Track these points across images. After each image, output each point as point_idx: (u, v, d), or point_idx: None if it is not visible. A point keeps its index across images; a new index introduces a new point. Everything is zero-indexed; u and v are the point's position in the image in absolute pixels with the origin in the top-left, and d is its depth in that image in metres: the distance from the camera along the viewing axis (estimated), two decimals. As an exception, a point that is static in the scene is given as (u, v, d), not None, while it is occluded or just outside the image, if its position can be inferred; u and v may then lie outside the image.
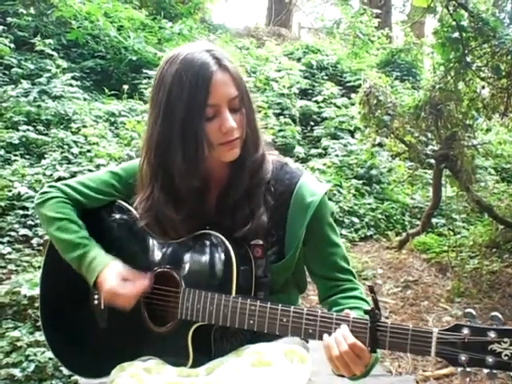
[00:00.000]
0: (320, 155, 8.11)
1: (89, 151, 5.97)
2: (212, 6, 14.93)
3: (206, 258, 1.61)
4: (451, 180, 5.60)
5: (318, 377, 1.80)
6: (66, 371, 2.92)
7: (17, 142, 5.92)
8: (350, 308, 1.53)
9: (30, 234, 4.64)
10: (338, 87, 9.87)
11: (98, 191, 1.82)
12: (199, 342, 1.59)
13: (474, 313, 1.34)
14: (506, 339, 1.27)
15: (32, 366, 3.08)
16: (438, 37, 4.98)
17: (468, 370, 1.30)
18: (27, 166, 5.54)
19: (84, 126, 6.42)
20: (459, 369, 1.31)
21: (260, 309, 1.51)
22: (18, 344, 3.24)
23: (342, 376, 1.47)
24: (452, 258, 5.42)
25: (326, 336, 1.43)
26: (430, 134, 5.56)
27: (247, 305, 1.52)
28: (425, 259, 5.67)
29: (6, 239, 4.55)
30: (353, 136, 8.42)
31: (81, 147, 6.05)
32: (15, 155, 5.74)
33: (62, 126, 6.49)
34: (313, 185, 1.68)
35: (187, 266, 1.64)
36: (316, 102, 9.44)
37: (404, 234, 6.21)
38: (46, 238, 2.20)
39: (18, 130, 6.11)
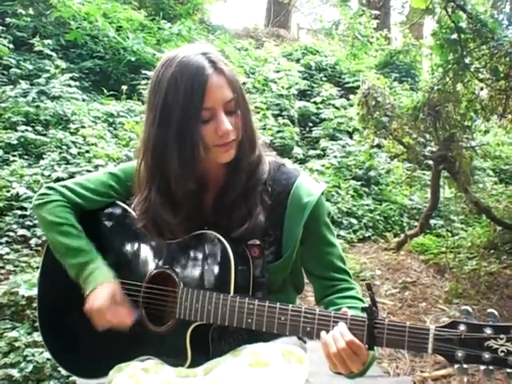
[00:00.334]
0: (318, 156, 8.12)
1: (87, 152, 5.97)
2: (211, 6, 14.89)
3: (204, 258, 1.62)
4: (449, 181, 5.60)
5: (316, 377, 1.79)
6: (64, 372, 2.92)
7: (15, 142, 5.91)
8: (347, 308, 1.53)
9: (28, 234, 4.63)
10: (336, 88, 9.88)
11: (96, 193, 1.82)
12: (197, 341, 1.60)
13: (470, 310, 1.35)
14: (502, 335, 1.29)
15: (30, 367, 3.08)
16: (436, 38, 4.99)
17: (465, 366, 1.32)
18: (26, 167, 5.54)
19: (82, 127, 6.42)
20: (456, 365, 1.33)
21: (258, 307, 1.52)
22: (16, 344, 3.23)
23: (340, 374, 1.48)
24: (450, 260, 5.43)
25: (323, 333, 1.44)
26: (428, 136, 5.56)
27: (245, 304, 1.53)
28: (423, 260, 5.67)
29: (4, 239, 4.54)
30: (351, 137, 8.43)
31: (79, 148, 6.05)
32: (14, 155, 5.73)
33: (60, 127, 6.48)
34: (310, 185, 1.69)
35: (185, 266, 1.64)
36: (315, 103, 9.46)
37: (402, 235, 6.22)
38: (45, 238, 2.21)
39: (16, 131, 6.10)
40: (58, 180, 5.10)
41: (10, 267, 4.23)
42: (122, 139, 6.52)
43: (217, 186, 1.70)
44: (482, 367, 1.30)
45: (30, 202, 4.77)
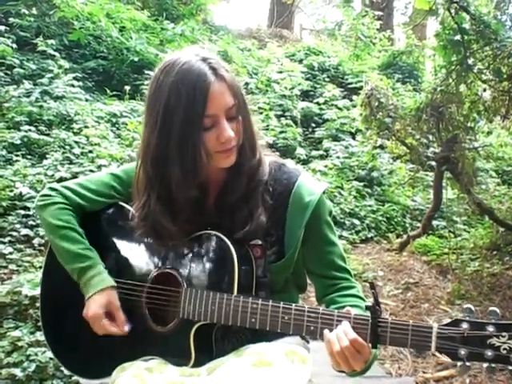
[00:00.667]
0: (321, 157, 8.12)
1: (90, 152, 5.97)
2: (214, 7, 14.91)
3: (207, 258, 1.62)
4: (452, 182, 5.60)
5: (319, 378, 1.80)
6: (67, 371, 2.92)
7: (18, 142, 5.92)
8: (349, 306, 1.53)
9: (31, 234, 4.63)
10: (339, 89, 9.89)
11: (98, 193, 1.83)
12: (201, 341, 1.60)
13: (473, 308, 1.36)
14: (504, 333, 1.30)
15: (33, 366, 3.08)
16: (439, 39, 4.99)
17: (468, 364, 1.32)
18: (29, 166, 5.54)
19: (86, 127, 6.42)
20: (459, 363, 1.33)
21: (262, 307, 1.52)
22: (19, 344, 3.23)
23: (342, 372, 1.48)
24: (453, 261, 5.42)
25: (326, 331, 1.45)
26: (431, 137, 5.56)
27: (249, 303, 1.53)
28: (425, 261, 5.67)
29: (7, 239, 4.54)
30: (354, 138, 8.43)
31: (82, 148, 6.05)
32: (17, 155, 5.73)
33: (63, 127, 6.49)
34: (311, 184, 1.70)
35: (188, 266, 1.64)
36: (317, 103, 9.46)
37: (405, 236, 6.22)
38: (47, 238, 2.21)
39: (19, 131, 6.11)
40: (61, 180, 5.11)
41: (13, 267, 4.23)
42: (125, 139, 6.52)
43: (218, 187, 1.70)
44: (485, 365, 1.31)
45: (33, 202, 4.77)
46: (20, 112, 6.44)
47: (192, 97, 1.51)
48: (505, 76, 4.98)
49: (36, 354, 3.14)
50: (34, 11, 8.47)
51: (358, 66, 11.12)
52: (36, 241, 4.54)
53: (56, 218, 1.76)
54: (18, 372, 3.05)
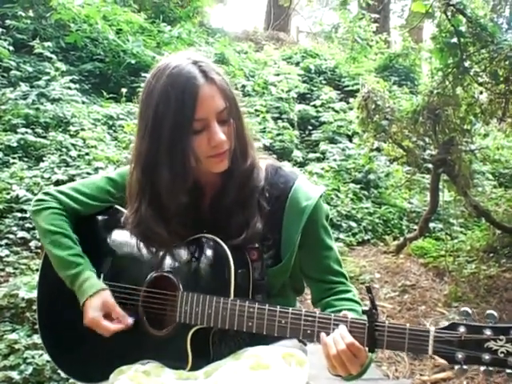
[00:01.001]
0: (318, 159, 8.12)
1: (87, 154, 5.97)
2: (211, 9, 14.92)
3: (203, 262, 1.62)
4: (449, 185, 5.61)
5: (316, 380, 1.80)
6: (63, 374, 2.92)
7: (15, 144, 5.92)
8: (345, 310, 1.53)
9: (28, 236, 4.63)
10: (336, 92, 9.89)
11: (93, 198, 1.82)
12: (198, 345, 1.60)
13: (470, 311, 1.36)
14: (501, 336, 1.29)
15: (30, 369, 3.08)
16: (436, 42, 5.00)
17: (465, 367, 1.32)
18: (25, 169, 5.54)
19: (82, 129, 6.42)
20: (456, 366, 1.33)
21: (258, 311, 1.52)
22: (16, 347, 3.23)
23: (339, 376, 1.48)
24: (449, 263, 5.43)
25: (323, 335, 1.45)
26: (427, 139, 5.57)
27: (246, 307, 1.53)
28: (422, 264, 5.67)
29: (3, 242, 4.54)
30: (351, 140, 8.44)
31: (79, 150, 6.05)
32: (13, 158, 5.73)
33: (60, 129, 6.49)
34: (308, 188, 1.68)
35: (185, 270, 1.64)
36: (314, 106, 9.46)
37: (401, 239, 6.22)
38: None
39: (16, 133, 6.11)
40: (57, 182, 5.11)
41: (9, 269, 4.23)
42: (122, 142, 6.52)
43: (213, 190, 1.69)
44: (482, 368, 1.31)
45: (30, 205, 4.77)
46: (17, 114, 6.44)
47: (181, 100, 1.49)
48: (501, 79, 4.99)
49: (33, 357, 3.14)
50: (31, 13, 8.48)
51: (355, 68, 11.12)
52: (33, 243, 4.54)
53: (48, 223, 1.76)
54: (14, 375, 3.05)
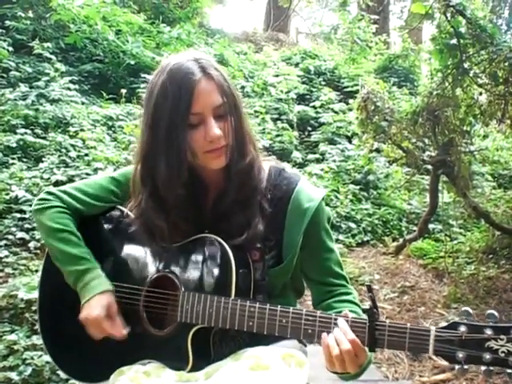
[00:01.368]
0: (317, 160, 8.12)
1: (86, 155, 5.97)
2: (210, 10, 14.95)
3: (205, 262, 1.62)
4: (448, 186, 5.61)
5: (316, 381, 1.80)
6: (63, 375, 2.89)
7: (14, 145, 5.92)
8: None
9: (27, 237, 4.63)
10: (335, 93, 9.89)
11: (96, 198, 1.82)
12: (199, 344, 1.60)
13: (471, 311, 1.36)
14: (502, 336, 1.29)
15: (29, 370, 3.07)
16: (435, 43, 5.00)
17: (465, 367, 1.32)
18: (25, 170, 5.54)
19: (82, 130, 6.43)
20: (457, 366, 1.33)
21: (259, 310, 1.52)
22: (15, 347, 3.23)
23: (335, 373, 1.49)
24: (449, 264, 5.43)
25: (324, 335, 1.45)
26: (427, 140, 5.56)
27: (246, 306, 1.53)
28: (421, 265, 5.67)
29: (3, 242, 4.54)
30: (350, 141, 8.44)
31: (78, 151, 6.06)
32: (13, 158, 5.73)
33: (59, 130, 6.49)
34: (310, 190, 1.69)
35: (186, 270, 1.64)
36: (314, 107, 9.47)
37: (401, 240, 6.22)
38: (44, 241, 2.21)
39: (15, 134, 6.11)
40: (57, 183, 5.11)
41: (8, 270, 4.23)
42: (122, 142, 6.52)
43: (216, 190, 1.70)
44: (483, 368, 1.31)
45: (29, 205, 4.78)
46: (16, 115, 6.44)
47: (178, 94, 1.52)
48: (501, 80, 4.98)
49: (32, 358, 3.13)
50: (31, 14, 8.49)
51: (354, 69, 11.13)
52: (32, 244, 4.54)
53: (54, 222, 1.76)
54: (14, 376, 3.05)
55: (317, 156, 8.23)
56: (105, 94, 7.87)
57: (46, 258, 1.86)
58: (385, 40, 13.24)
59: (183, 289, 1.62)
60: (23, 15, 8.29)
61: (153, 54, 8.91)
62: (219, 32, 13.74)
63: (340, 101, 9.72)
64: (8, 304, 3.62)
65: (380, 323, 1.40)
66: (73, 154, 5.95)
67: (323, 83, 10.56)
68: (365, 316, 1.42)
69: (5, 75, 7.41)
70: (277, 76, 9.98)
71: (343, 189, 7.19)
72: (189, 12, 12.18)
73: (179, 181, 1.57)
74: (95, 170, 5.53)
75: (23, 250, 4.52)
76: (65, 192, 1.81)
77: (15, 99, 6.75)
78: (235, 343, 1.63)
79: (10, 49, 7.62)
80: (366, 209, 6.96)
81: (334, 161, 7.94)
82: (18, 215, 4.82)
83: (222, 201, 1.66)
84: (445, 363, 1.31)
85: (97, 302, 1.67)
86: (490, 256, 5.57)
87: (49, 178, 5.37)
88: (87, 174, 5.37)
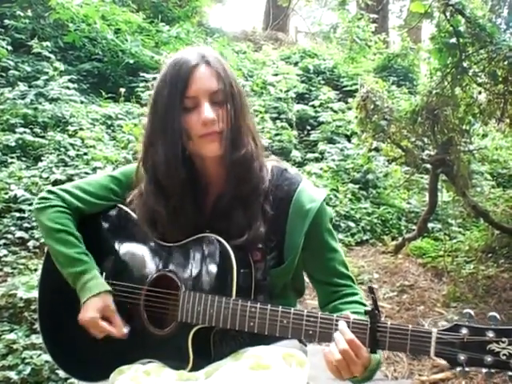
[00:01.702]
0: (316, 159, 8.11)
1: (85, 154, 5.97)
2: (209, 9, 14.95)
3: (206, 261, 1.62)
4: (447, 185, 5.61)
5: (316, 381, 1.80)
6: (62, 374, 2.92)
7: (13, 144, 5.92)
8: (351, 313, 1.52)
9: (26, 236, 4.63)
10: (334, 92, 9.87)
11: (96, 196, 1.82)
12: (199, 344, 1.60)
13: (472, 313, 1.35)
14: (504, 339, 1.29)
15: (28, 369, 3.07)
16: (434, 42, 4.99)
17: (467, 369, 1.32)
18: (24, 169, 5.54)
19: (81, 129, 6.42)
20: (458, 368, 1.32)
21: (260, 311, 1.52)
22: (14, 347, 3.23)
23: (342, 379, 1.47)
24: (448, 263, 5.43)
25: (324, 348, 1.44)
26: (426, 139, 5.56)
27: (247, 307, 1.53)
28: (421, 264, 5.67)
29: (2, 241, 4.54)
30: (349, 140, 8.43)
31: (78, 150, 6.05)
32: (12, 157, 5.73)
33: (58, 129, 6.49)
34: (312, 191, 1.69)
35: (187, 269, 1.64)
36: (313, 106, 9.45)
37: (400, 239, 6.22)
38: (43, 240, 2.20)
39: (14, 133, 6.11)
40: (56, 182, 5.11)
41: (8, 269, 4.23)
42: (121, 141, 6.52)
43: (217, 190, 1.69)
44: (484, 370, 1.30)
45: (28, 204, 4.78)
46: (15, 114, 6.44)
47: (175, 78, 1.57)
48: (500, 79, 4.98)
49: (31, 357, 3.13)
50: (29, 13, 8.48)
51: (354, 68, 11.12)
52: (31, 243, 4.54)
53: (53, 222, 1.76)
54: (13, 375, 3.05)
55: (316, 155, 8.22)
56: (104, 93, 7.87)
57: (45, 256, 1.86)
58: (384, 39, 13.23)
59: (184, 288, 1.62)
60: (22, 14, 8.29)
61: (152, 53, 8.91)
62: (218, 31, 13.72)
63: (339, 100, 9.70)
64: (7, 303, 3.62)
65: (381, 324, 1.40)
66: (72, 153, 5.95)
67: (322, 82, 10.54)
68: (366, 317, 1.42)
69: (4, 74, 7.41)
70: (276, 75, 9.96)
71: (342, 188, 7.18)
72: (188, 11, 12.19)
73: (177, 163, 1.58)
74: (94, 169, 5.53)
75: (22, 249, 4.52)
76: (65, 191, 1.82)
77: (14, 98, 6.75)
78: (236, 343, 1.62)
79: (9, 48, 7.61)
80: (365, 208, 6.96)
81: (333, 160, 7.93)
82: (17, 214, 4.82)
83: (222, 199, 1.66)
84: (444, 362, 1.30)
85: (92, 304, 1.68)
86: (490, 255, 5.57)
87: (48, 177, 5.37)
88: (86, 173, 5.36)
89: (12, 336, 3.31)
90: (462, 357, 1.31)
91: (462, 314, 1.36)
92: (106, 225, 1.86)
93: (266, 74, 10.07)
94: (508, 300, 4.63)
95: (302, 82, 10.25)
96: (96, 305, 1.68)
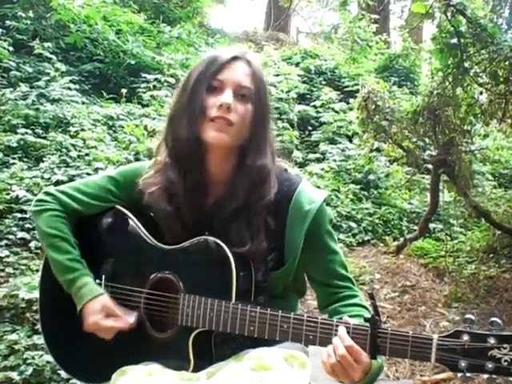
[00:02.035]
0: (318, 160, 8.10)
1: (87, 155, 5.96)
2: (211, 10, 14.94)
3: (205, 264, 1.61)
4: (449, 185, 5.60)
5: (318, 382, 1.79)
6: (64, 375, 2.91)
7: (15, 145, 5.91)
8: (351, 316, 1.52)
9: (27, 237, 4.63)
10: (336, 92, 9.86)
11: (95, 197, 1.81)
12: (200, 347, 1.59)
13: (474, 318, 1.35)
14: (505, 345, 1.28)
15: (30, 370, 3.07)
16: (436, 42, 4.99)
17: (468, 375, 1.31)
18: (25, 169, 5.53)
19: (82, 130, 6.42)
20: (459, 374, 1.32)
21: (260, 315, 1.51)
22: (16, 347, 3.23)
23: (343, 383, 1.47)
24: (449, 263, 5.43)
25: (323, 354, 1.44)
26: (427, 140, 5.56)
27: (247, 311, 1.52)
28: (422, 264, 5.67)
29: (3, 242, 4.54)
30: (351, 141, 8.42)
31: (79, 151, 6.05)
32: (13, 158, 5.73)
33: (60, 130, 6.48)
34: (311, 192, 1.68)
35: (187, 272, 1.64)
36: (314, 106, 9.44)
37: (401, 239, 6.21)
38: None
39: (16, 133, 6.10)
40: (57, 183, 5.10)
41: (9, 270, 4.22)
42: (122, 142, 6.51)
43: (219, 191, 1.69)
44: (485, 376, 1.29)
45: (30, 205, 4.77)
46: (16, 115, 6.43)
47: (213, 61, 1.64)
48: (501, 79, 4.98)
49: (33, 358, 3.13)
50: (31, 14, 8.48)
51: (355, 69, 11.10)
52: (33, 244, 4.53)
53: (47, 226, 1.76)
54: (14, 375, 3.05)
55: (317, 155, 8.21)
56: (105, 94, 7.86)
57: (45, 257, 1.86)
58: (385, 39, 13.21)
59: (183, 291, 1.62)
60: (23, 15, 8.28)
61: (153, 53, 8.91)
62: (220, 32, 13.73)
63: (340, 100, 9.69)
64: (9, 304, 3.62)
65: (382, 331, 1.39)
66: (73, 153, 5.94)
67: (324, 83, 10.54)
68: (367, 323, 1.41)
69: (5, 75, 7.40)
70: (277, 75, 9.95)
71: (344, 188, 7.18)
72: (189, 12, 12.18)
73: (195, 133, 1.61)
74: (96, 170, 5.52)
75: (24, 250, 4.51)
76: (63, 192, 1.81)
77: (16, 99, 6.75)
78: (237, 344, 1.62)
79: (11, 49, 7.60)
80: (366, 208, 6.95)
81: (335, 160, 7.92)
82: (19, 215, 4.82)
83: (223, 202, 1.65)
84: (448, 369, 1.30)
85: (89, 310, 1.68)
86: (491, 255, 5.57)
87: (49, 178, 5.37)
88: (88, 174, 5.35)
89: (14, 336, 3.31)
90: (463, 363, 1.31)
91: (463, 320, 1.35)
92: (104, 227, 1.84)
93: (268, 74, 10.04)
94: (509, 300, 4.63)
95: (304, 82, 10.24)
96: (93, 308, 1.68)
